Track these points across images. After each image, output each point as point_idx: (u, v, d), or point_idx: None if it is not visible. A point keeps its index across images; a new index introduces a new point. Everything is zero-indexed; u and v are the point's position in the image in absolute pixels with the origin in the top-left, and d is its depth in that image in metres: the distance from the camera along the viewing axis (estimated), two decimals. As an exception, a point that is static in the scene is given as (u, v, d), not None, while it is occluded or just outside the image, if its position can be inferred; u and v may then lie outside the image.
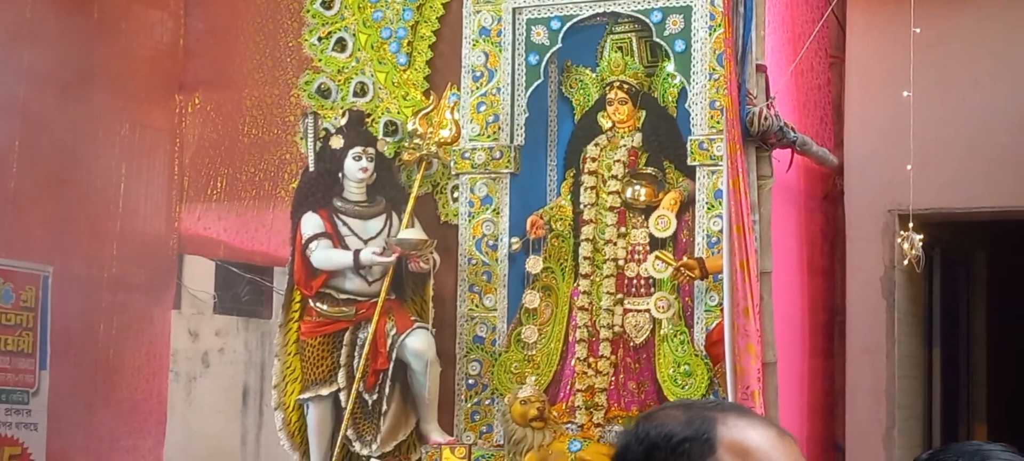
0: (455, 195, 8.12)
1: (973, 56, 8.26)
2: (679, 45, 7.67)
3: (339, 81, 8.38)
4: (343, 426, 7.83)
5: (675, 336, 7.58)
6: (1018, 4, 8.22)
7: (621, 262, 7.74)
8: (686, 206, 7.68)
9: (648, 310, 7.65)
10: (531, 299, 7.88)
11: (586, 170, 7.89)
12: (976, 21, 8.31)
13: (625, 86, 7.85)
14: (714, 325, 7.36)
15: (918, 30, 7.72)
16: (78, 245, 8.67)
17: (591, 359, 7.70)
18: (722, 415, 2.10)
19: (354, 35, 8.38)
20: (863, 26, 8.48)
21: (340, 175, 8.00)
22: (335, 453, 7.87)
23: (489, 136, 8.03)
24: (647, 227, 7.71)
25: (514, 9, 8.04)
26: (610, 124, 7.92)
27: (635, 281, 7.73)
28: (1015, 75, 8.16)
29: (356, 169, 7.97)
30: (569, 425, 7.59)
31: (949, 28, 8.25)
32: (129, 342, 8.95)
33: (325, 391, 7.93)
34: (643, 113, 7.88)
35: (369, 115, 8.24)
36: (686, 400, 2.13)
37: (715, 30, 7.51)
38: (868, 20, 8.45)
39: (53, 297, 8.32)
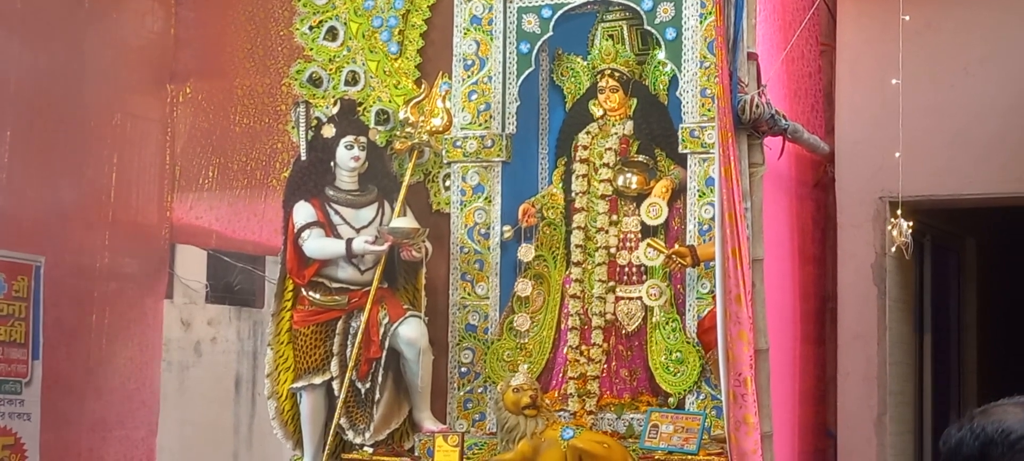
0: (447, 184, 8.13)
1: (962, 43, 8.27)
2: (670, 33, 7.69)
3: (330, 70, 8.39)
4: (336, 415, 7.84)
5: (667, 324, 7.60)
6: (1008, -9, 8.24)
7: (613, 250, 7.76)
8: (677, 194, 7.70)
9: (640, 298, 7.67)
10: (523, 287, 7.90)
11: (578, 158, 7.90)
12: (965, 8, 8.32)
13: (616, 74, 7.87)
14: (706, 312, 7.39)
15: (907, 17, 7.73)
16: (70, 235, 8.66)
17: (583, 347, 7.72)
18: None
19: (345, 24, 8.38)
20: (853, 13, 8.49)
21: (332, 164, 8.01)
22: (328, 442, 7.88)
23: (481, 124, 8.04)
24: (639, 215, 7.72)
25: (505, -3, 8.05)
26: (601, 112, 7.93)
27: (627, 269, 7.75)
28: (1004, 62, 8.18)
29: (348, 158, 7.97)
30: (562, 413, 7.61)
31: (938, 15, 8.27)
32: (121, 332, 8.95)
33: (318, 380, 7.94)
34: (634, 101, 7.90)
35: (361, 104, 8.25)
36: (1022, 398, 2.12)
37: (706, 18, 7.52)
38: (858, 7, 8.47)
39: (45, 287, 8.31)
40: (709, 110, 7.39)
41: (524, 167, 8.13)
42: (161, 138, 9.16)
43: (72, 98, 8.71)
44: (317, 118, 8.16)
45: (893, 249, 7.53)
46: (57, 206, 8.59)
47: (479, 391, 7.97)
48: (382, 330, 7.82)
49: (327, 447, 7.89)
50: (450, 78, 8.09)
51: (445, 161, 8.11)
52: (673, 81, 7.78)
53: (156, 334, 9.13)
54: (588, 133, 7.93)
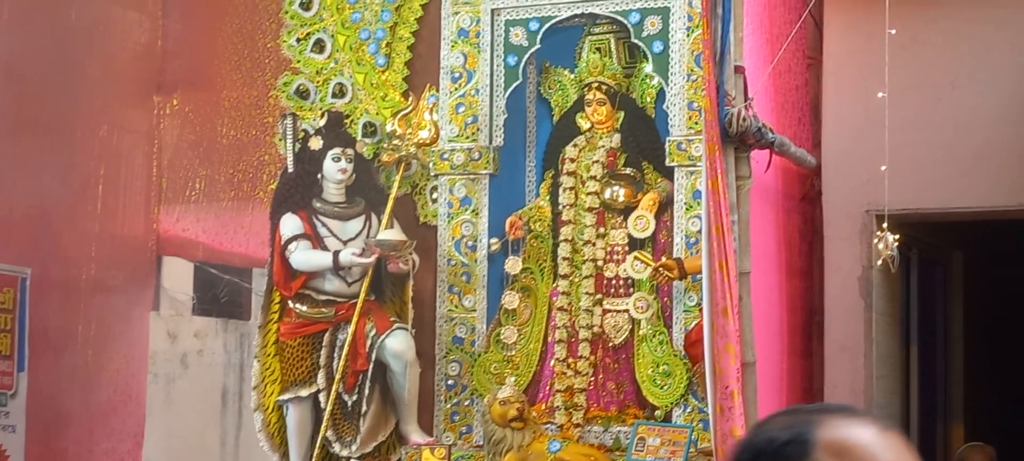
0: (434, 196, 8.13)
1: (948, 57, 8.30)
2: (657, 46, 7.70)
3: (318, 82, 8.38)
4: (323, 427, 7.83)
5: (654, 336, 7.60)
6: (993, 5, 8.26)
7: (600, 263, 7.76)
8: (665, 207, 7.70)
9: (627, 310, 7.68)
10: (510, 300, 7.90)
11: (565, 171, 7.91)
12: (951, 22, 8.35)
13: (603, 87, 7.87)
14: (693, 325, 7.39)
15: (893, 31, 7.75)
16: (57, 247, 8.64)
17: (570, 359, 7.72)
18: (823, 416, 2.10)
19: (333, 36, 8.38)
20: (840, 27, 8.51)
21: (319, 176, 8.00)
22: (315, 454, 7.87)
23: (468, 137, 8.04)
24: (626, 228, 7.73)
25: (492, 10, 8.05)
26: (589, 125, 7.94)
27: (614, 282, 7.75)
28: (990, 75, 8.20)
29: (335, 170, 7.97)
30: (548, 425, 7.61)
31: (924, 29, 8.29)
32: (108, 344, 8.92)
33: (304, 392, 7.93)
34: (621, 114, 7.91)
35: (348, 116, 8.25)
36: (798, 405, 2.19)
37: (693, 31, 7.54)
38: (845, 21, 8.49)
39: (31, 299, 8.29)
40: (696, 123, 7.40)
41: (511, 180, 8.13)
42: (148, 150, 9.15)
43: (59, 110, 8.69)
44: (304, 130, 8.15)
45: (879, 262, 7.54)
46: (43, 217, 8.57)
47: (466, 404, 7.96)
48: (369, 342, 7.81)
49: (314, 460, 7.87)
50: (437, 90, 8.10)
51: (432, 173, 8.11)
52: (660, 94, 7.79)
53: (142, 346, 9.10)
54: (575, 146, 7.94)
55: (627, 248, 7.72)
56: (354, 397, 7.84)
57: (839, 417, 2.10)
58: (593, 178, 7.81)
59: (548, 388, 7.77)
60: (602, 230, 7.80)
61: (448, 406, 7.99)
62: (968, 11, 8.32)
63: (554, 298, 7.84)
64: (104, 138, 8.97)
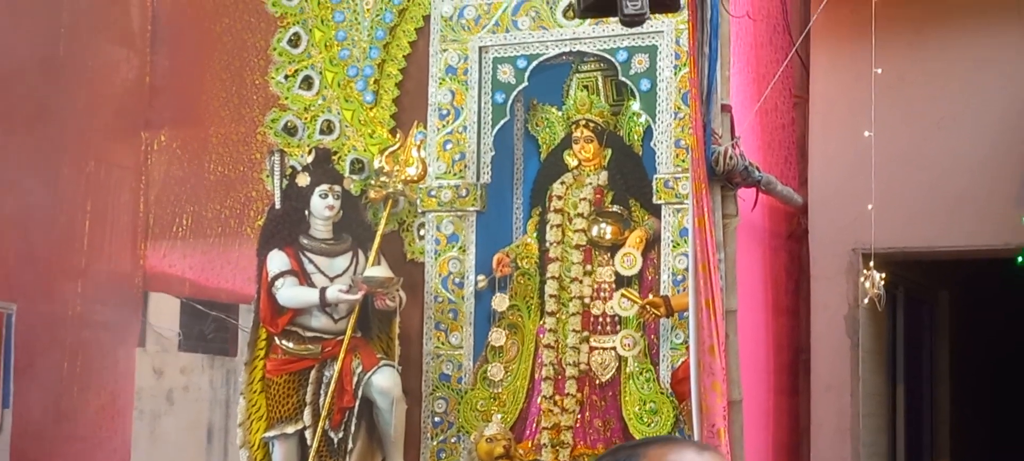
0: (421, 233, 8.14)
1: (935, 96, 8.32)
2: (644, 84, 7.72)
3: (306, 119, 8.40)
4: (309, 464, 7.81)
5: (641, 374, 7.60)
6: (978, 44, 8.29)
7: (587, 300, 7.77)
8: (652, 244, 7.72)
9: (614, 348, 7.68)
10: (497, 337, 7.89)
11: (552, 208, 7.92)
12: (938, 62, 8.37)
13: (591, 124, 7.89)
14: (680, 363, 7.39)
15: (880, 70, 7.77)
16: (42, 282, 8.62)
17: (557, 397, 7.71)
18: (644, 448, 2.22)
19: (321, 73, 8.40)
20: (826, 66, 8.54)
21: (306, 213, 8.01)
22: (300, 491, 7.84)
23: (455, 174, 8.05)
24: (613, 265, 7.74)
25: (480, 48, 8.08)
26: (576, 162, 7.96)
27: (601, 319, 7.75)
28: (976, 115, 8.23)
29: (322, 207, 7.98)
30: (535, 463, 7.60)
31: (911, 69, 8.32)
32: (93, 380, 8.89)
33: (291, 429, 7.91)
34: (609, 151, 7.93)
35: (335, 153, 8.26)
36: (622, 443, 2.38)
37: (680, 69, 7.56)
38: (831, 60, 8.51)
39: (17, 335, 8.27)
40: (683, 161, 7.42)
41: (499, 217, 8.14)
42: (135, 186, 9.14)
43: (46, 144, 8.68)
44: (292, 167, 8.16)
45: (866, 301, 7.54)
46: (29, 253, 8.55)
47: (452, 441, 7.94)
48: (355, 379, 7.80)
49: (299, 497, 7.85)
50: (425, 127, 8.11)
51: (420, 210, 8.12)
52: (647, 132, 7.82)
53: (128, 382, 9.07)
54: (563, 183, 7.95)
55: (614, 285, 7.73)
56: (340, 434, 7.82)
57: (658, 446, 2.23)
58: (580, 215, 7.83)
59: (535, 425, 7.76)
60: (589, 267, 7.81)
61: (434, 443, 7.97)
62: (954, 51, 8.35)
63: (541, 335, 7.84)
64: (91, 173, 8.96)
